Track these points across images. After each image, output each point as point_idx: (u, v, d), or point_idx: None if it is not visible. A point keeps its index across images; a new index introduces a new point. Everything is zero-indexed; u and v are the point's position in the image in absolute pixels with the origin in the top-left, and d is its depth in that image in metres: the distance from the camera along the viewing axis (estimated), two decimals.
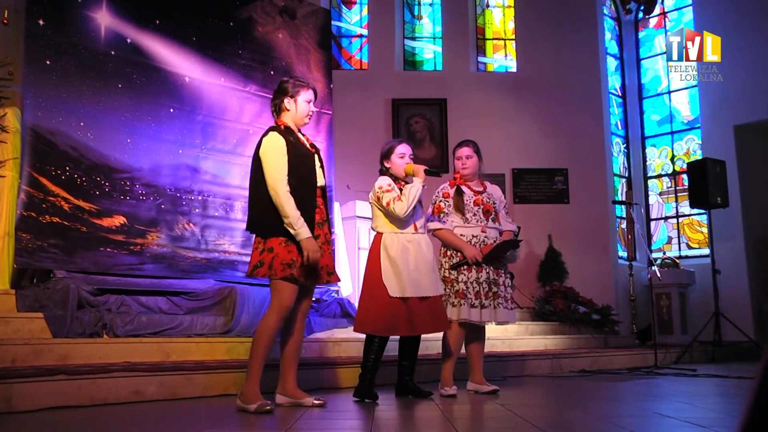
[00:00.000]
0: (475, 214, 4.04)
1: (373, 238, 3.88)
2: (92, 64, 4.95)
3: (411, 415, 3.24)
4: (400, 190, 3.75)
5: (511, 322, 4.13)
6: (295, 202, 3.13)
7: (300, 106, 3.36)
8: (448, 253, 4.06)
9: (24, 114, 4.51)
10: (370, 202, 3.89)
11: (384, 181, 3.79)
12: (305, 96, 3.37)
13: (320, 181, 3.36)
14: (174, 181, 5.33)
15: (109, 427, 2.79)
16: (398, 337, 3.83)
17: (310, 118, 3.42)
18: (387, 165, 3.88)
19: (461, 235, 4.02)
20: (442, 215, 4.05)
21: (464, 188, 4.10)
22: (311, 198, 3.26)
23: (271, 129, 3.30)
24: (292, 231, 3.11)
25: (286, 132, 3.29)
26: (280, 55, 6.36)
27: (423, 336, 3.93)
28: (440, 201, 4.08)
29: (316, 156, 3.38)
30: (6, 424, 2.74)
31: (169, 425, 2.90)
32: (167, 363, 3.85)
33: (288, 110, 3.36)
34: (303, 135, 3.45)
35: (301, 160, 3.24)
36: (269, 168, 3.16)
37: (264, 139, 3.26)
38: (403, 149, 3.87)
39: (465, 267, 3.96)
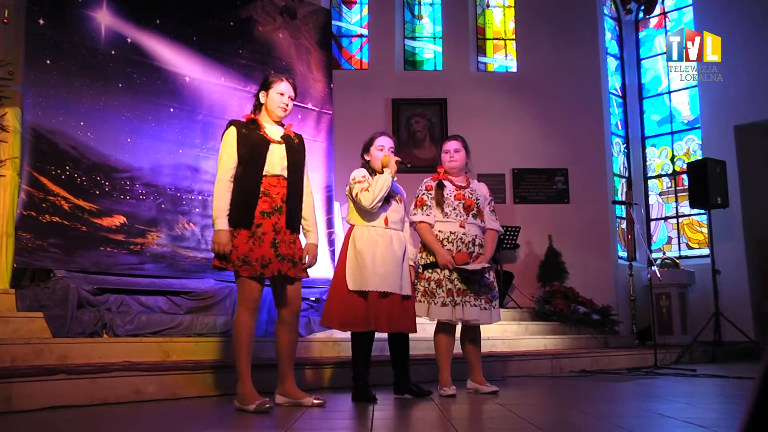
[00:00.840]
0: (454, 209, 3.96)
1: (346, 231, 3.83)
2: (92, 64, 4.95)
3: (410, 415, 3.24)
4: None
5: (486, 322, 3.96)
6: (236, 190, 3.20)
7: (271, 98, 3.37)
8: (424, 251, 3.99)
9: (24, 113, 4.51)
10: (346, 194, 3.85)
11: (358, 173, 3.76)
12: (277, 88, 3.37)
13: (274, 170, 3.26)
14: (174, 181, 5.33)
15: (108, 426, 2.79)
16: (386, 335, 3.78)
17: (284, 111, 3.38)
18: (366, 157, 3.85)
19: (439, 231, 3.95)
20: (424, 208, 3.98)
21: (446, 183, 4.04)
22: (254, 186, 3.22)
23: (229, 122, 3.34)
24: (212, 221, 3.21)
25: (245, 123, 3.33)
26: (281, 55, 6.36)
27: (423, 335, 3.91)
28: (423, 194, 4.03)
29: (283, 146, 3.32)
30: (6, 423, 2.74)
31: (169, 425, 2.90)
32: (167, 363, 3.85)
33: (262, 103, 3.40)
34: (285, 126, 3.43)
35: (250, 149, 3.24)
36: (218, 160, 3.29)
37: None
38: (382, 141, 3.82)
39: (436, 268, 3.89)
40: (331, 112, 6.77)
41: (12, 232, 4.32)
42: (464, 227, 3.95)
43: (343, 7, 9.83)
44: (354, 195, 3.68)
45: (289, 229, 3.29)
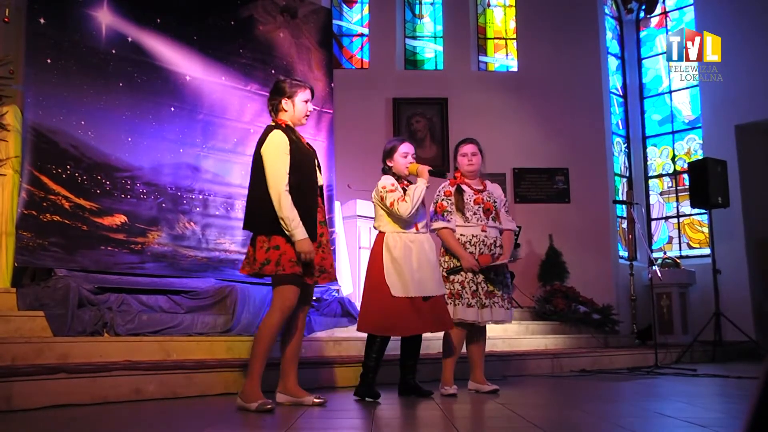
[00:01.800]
0: (475, 213, 4.02)
1: (375, 237, 3.88)
2: (93, 63, 4.95)
3: (411, 415, 3.24)
4: (403, 189, 3.75)
5: (507, 321, 4.12)
6: (296, 200, 3.13)
7: (297, 107, 3.36)
8: (447, 255, 4.05)
9: (25, 112, 4.51)
10: (372, 201, 3.88)
11: (387, 181, 3.79)
12: (302, 96, 3.37)
13: (320, 181, 3.37)
14: (175, 180, 5.33)
15: (109, 425, 2.79)
16: (399, 336, 3.83)
17: (307, 118, 3.43)
18: (390, 164, 3.88)
19: (461, 234, 4.00)
20: (445, 214, 4.03)
21: (464, 187, 4.08)
22: (313, 196, 3.26)
23: (274, 127, 3.29)
24: (287, 231, 3.10)
25: (288, 131, 3.29)
26: (281, 54, 6.36)
27: (424, 335, 3.93)
28: (442, 200, 4.07)
29: (315, 157, 3.40)
30: (6, 422, 2.74)
31: (170, 424, 2.90)
32: (167, 362, 3.85)
33: (285, 111, 3.36)
34: (301, 136, 3.46)
35: (303, 159, 3.25)
36: (271, 166, 3.16)
37: (267, 136, 3.25)
38: (406, 148, 3.87)
39: (461, 272, 3.96)
40: (331, 112, 6.76)
41: (13, 231, 4.32)
42: (485, 231, 4.02)
43: (344, 6, 9.83)
44: (389, 204, 3.71)
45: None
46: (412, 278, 3.65)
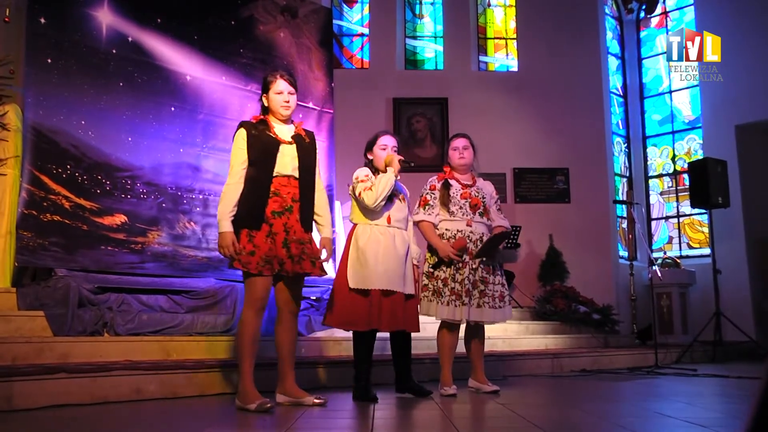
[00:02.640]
0: (461, 208, 3.95)
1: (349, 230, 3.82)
2: (93, 63, 4.95)
3: (411, 415, 3.24)
4: None
5: (499, 321, 3.98)
6: (246, 190, 3.19)
7: (272, 99, 3.36)
8: (429, 252, 3.99)
9: (25, 112, 4.51)
10: (349, 193, 3.86)
11: (361, 172, 3.76)
12: (275, 88, 3.35)
13: (284, 170, 3.27)
14: (175, 180, 5.33)
15: (109, 425, 2.79)
16: (388, 334, 3.78)
17: (288, 109, 3.36)
18: (369, 156, 3.85)
19: (446, 229, 3.94)
20: (427, 207, 3.98)
21: (452, 181, 4.03)
22: (262, 186, 3.22)
23: (239, 124, 3.35)
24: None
25: (256, 124, 3.33)
26: (282, 54, 6.36)
27: (424, 335, 3.91)
28: (426, 193, 4.02)
29: (294, 146, 3.31)
30: (7, 422, 2.74)
31: (170, 424, 2.90)
32: (168, 362, 3.85)
33: (266, 105, 3.40)
34: (297, 124, 3.44)
35: (261, 150, 3.24)
36: (230, 161, 3.27)
37: None
38: (386, 141, 3.83)
39: (443, 266, 3.89)
40: (332, 111, 6.77)
41: (13, 231, 4.33)
42: (471, 226, 3.95)
43: (344, 6, 9.83)
44: (357, 194, 3.68)
45: (304, 227, 3.31)
46: (375, 270, 3.56)
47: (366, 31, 9.75)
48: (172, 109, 5.41)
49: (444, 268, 3.89)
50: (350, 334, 3.76)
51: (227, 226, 3.15)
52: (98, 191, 4.81)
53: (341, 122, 7.74)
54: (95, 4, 5.02)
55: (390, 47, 9.57)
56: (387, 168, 3.72)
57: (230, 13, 5.99)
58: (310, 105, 6.57)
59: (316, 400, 3.28)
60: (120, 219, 4.90)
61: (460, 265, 3.87)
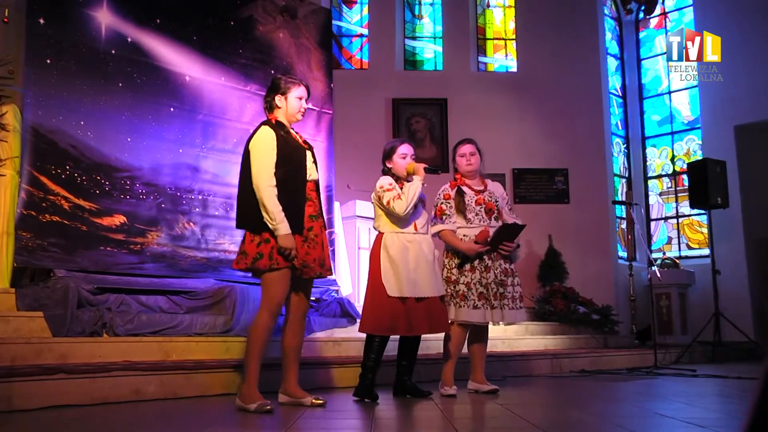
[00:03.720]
0: (477, 214, 4.01)
1: (374, 238, 3.88)
2: (93, 63, 4.95)
3: (411, 415, 3.24)
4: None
5: (518, 321, 4.12)
6: (282, 195, 3.15)
7: (291, 103, 3.37)
8: (450, 254, 4.05)
9: (24, 113, 4.51)
10: (372, 202, 3.89)
11: (385, 181, 3.79)
12: (296, 93, 3.38)
13: (313, 175, 3.35)
14: (174, 181, 5.33)
15: (109, 426, 2.79)
16: (398, 336, 3.83)
17: (302, 115, 3.42)
18: (389, 165, 3.89)
19: (464, 236, 3.99)
20: (444, 217, 4.02)
21: (465, 188, 4.07)
22: (300, 190, 3.25)
23: (263, 123, 3.33)
24: (270, 226, 3.11)
25: (277, 126, 3.31)
26: (281, 55, 6.36)
27: (423, 336, 3.92)
28: (441, 203, 4.06)
29: (308, 151, 3.38)
30: (6, 423, 2.74)
31: (169, 424, 2.90)
32: (167, 362, 3.85)
33: (279, 107, 3.39)
34: (296, 132, 3.47)
35: (290, 154, 3.25)
36: (255, 161, 3.20)
37: (255, 133, 3.28)
38: (405, 149, 3.87)
39: (468, 267, 3.93)
40: (331, 112, 6.76)
41: (12, 232, 4.32)
42: (488, 231, 3.99)
43: (344, 6, 9.83)
44: (386, 203, 3.72)
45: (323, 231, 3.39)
46: (407, 278, 3.64)
47: (365, 31, 9.75)
48: (172, 109, 5.41)
49: (467, 272, 3.93)
50: (350, 335, 3.78)
51: (287, 228, 3.12)
52: (97, 192, 4.81)
53: (340, 123, 7.74)
54: (94, 5, 5.02)
55: (389, 48, 9.57)
56: (412, 176, 3.77)
57: (229, 13, 5.98)
58: (310, 105, 6.52)
59: (316, 401, 3.29)
60: (119, 219, 4.90)
61: (484, 269, 3.93)
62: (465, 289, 3.91)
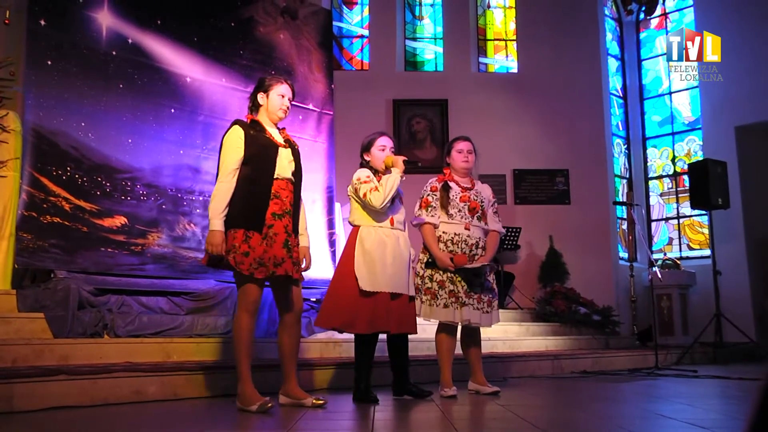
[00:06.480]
0: (459, 211, 3.94)
1: (350, 232, 3.80)
2: (93, 65, 4.95)
3: (411, 416, 3.24)
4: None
5: (486, 325, 3.95)
6: (245, 191, 3.16)
7: (272, 100, 3.37)
8: (425, 251, 3.96)
9: (25, 114, 4.51)
10: (348, 195, 3.84)
11: (362, 173, 3.74)
12: (277, 90, 3.38)
13: (284, 174, 3.29)
14: (175, 182, 5.33)
15: (109, 427, 2.79)
16: (386, 336, 3.76)
17: (284, 112, 3.40)
18: (367, 158, 3.83)
19: (444, 232, 3.92)
20: (429, 209, 3.96)
21: (452, 184, 4.02)
22: (265, 188, 3.22)
23: (234, 122, 3.33)
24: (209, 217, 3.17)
25: (250, 125, 3.32)
26: (282, 56, 6.36)
27: (424, 336, 3.90)
28: (428, 195, 4.00)
29: (286, 150, 3.34)
30: (7, 424, 2.74)
31: (170, 425, 2.89)
32: (168, 363, 3.85)
33: (261, 104, 3.40)
34: (281, 130, 3.45)
35: (258, 152, 3.23)
36: (221, 159, 3.24)
37: (226, 131, 3.31)
38: (384, 141, 3.81)
39: (437, 266, 3.86)
40: (331, 113, 6.77)
41: (13, 233, 4.32)
42: (469, 229, 3.93)
43: (344, 7, 9.84)
44: (362, 195, 3.65)
45: (294, 232, 3.32)
46: (384, 273, 3.56)
47: (366, 32, 9.76)
48: (172, 110, 5.41)
49: (440, 271, 3.87)
50: (351, 336, 3.75)
51: (219, 225, 3.13)
52: (98, 193, 4.81)
53: (341, 124, 7.74)
54: (95, 6, 5.02)
55: (390, 49, 9.57)
56: (390, 169, 3.70)
57: (230, 14, 5.99)
58: (310, 107, 6.57)
59: (316, 401, 3.29)
60: (120, 221, 4.90)
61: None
62: (437, 287, 3.85)
